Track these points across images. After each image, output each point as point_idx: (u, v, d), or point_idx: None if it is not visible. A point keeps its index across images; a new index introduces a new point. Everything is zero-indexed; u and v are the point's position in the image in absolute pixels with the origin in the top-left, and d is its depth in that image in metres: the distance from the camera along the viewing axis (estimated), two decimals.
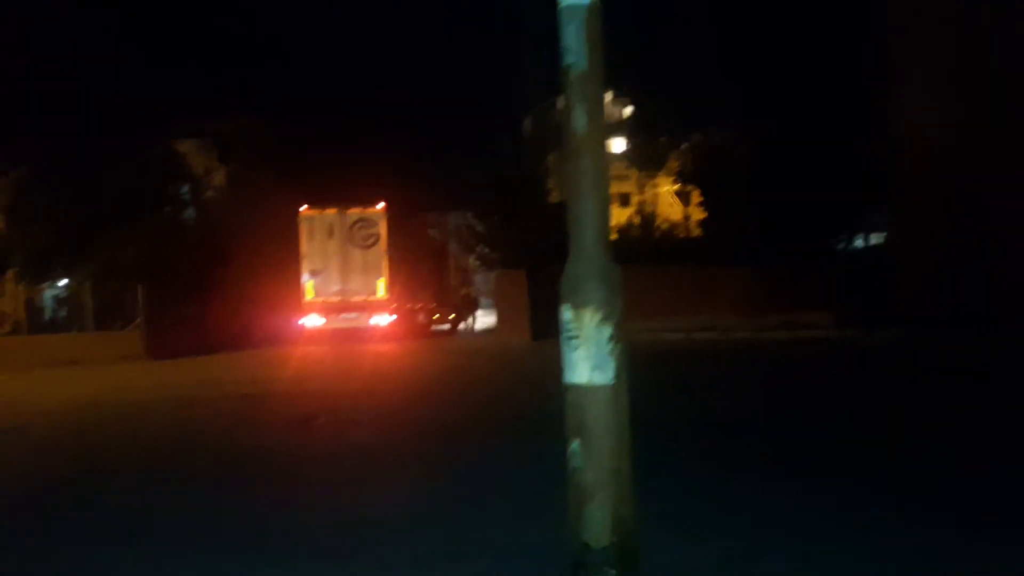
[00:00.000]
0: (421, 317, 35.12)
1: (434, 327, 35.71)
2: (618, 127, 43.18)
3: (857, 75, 22.44)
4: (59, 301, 24.21)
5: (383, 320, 26.47)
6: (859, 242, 27.09)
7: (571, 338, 2.84)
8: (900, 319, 18.65)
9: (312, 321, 26.24)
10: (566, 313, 2.87)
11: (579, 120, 2.83)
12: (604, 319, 2.80)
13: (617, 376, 2.83)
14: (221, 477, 6.31)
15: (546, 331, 21.56)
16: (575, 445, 2.84)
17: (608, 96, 45.68)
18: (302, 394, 11.88)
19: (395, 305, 28.13)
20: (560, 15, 2.87)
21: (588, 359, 2.81)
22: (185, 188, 27.76)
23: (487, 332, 30.28)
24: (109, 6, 28.45)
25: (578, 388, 2.84)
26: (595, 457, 2.86)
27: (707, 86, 27.22)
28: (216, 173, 31.14)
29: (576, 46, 2.82)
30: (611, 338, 2.81)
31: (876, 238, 27.81)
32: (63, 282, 24.20)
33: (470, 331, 32.09)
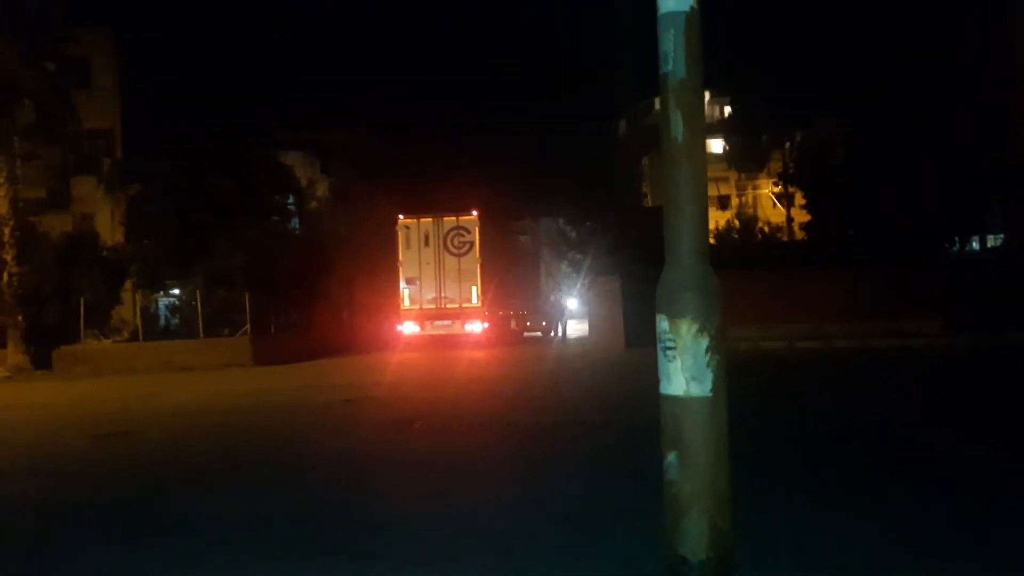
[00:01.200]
0: (513, 324, 35.31)
1: (526, 334, 35.82)
2: (716, 127, 42.13)
3: (973, 69, 21.28)
4: (172, 309, 25.41)
5: (476, 327, 26.75)
6: (975, 244, 25.70)
7: (668, 349, 2.78)
8: (1015, 326, 17.61)
9: (409, 328, 26.75)
10: (662, 323, 2.80)
11: (677, 128, 2.78)
12: (701, 330, 2.74)
13: (715, 388, 2.76)
14: (326, 480, 6.49)
15: (640, 339, 21.32)
16: (672, 457, 2.77)
17: (706, 95, 44.83)
18: (400, 399, 12.13)
19: (488, 312, 28.39)
20: (659, 21, 2.82)
21: (685, 370, 2.75)
22: (290, 199, 28.75)
23: (579, 340, 30.15)
24: (214, 29, 29.89)
25: (675, 400, 2.78)
26: (692, 470, 2.80)
27: (811, 82, 26.27)
28: (319, 184, 32.17)
29: (675, 53, 2.77)
30: (709, 349, 2.74)
31: (992, 241, 26.36)
32: (176, 291, 25.39)
33: (561, 338, 32.00)
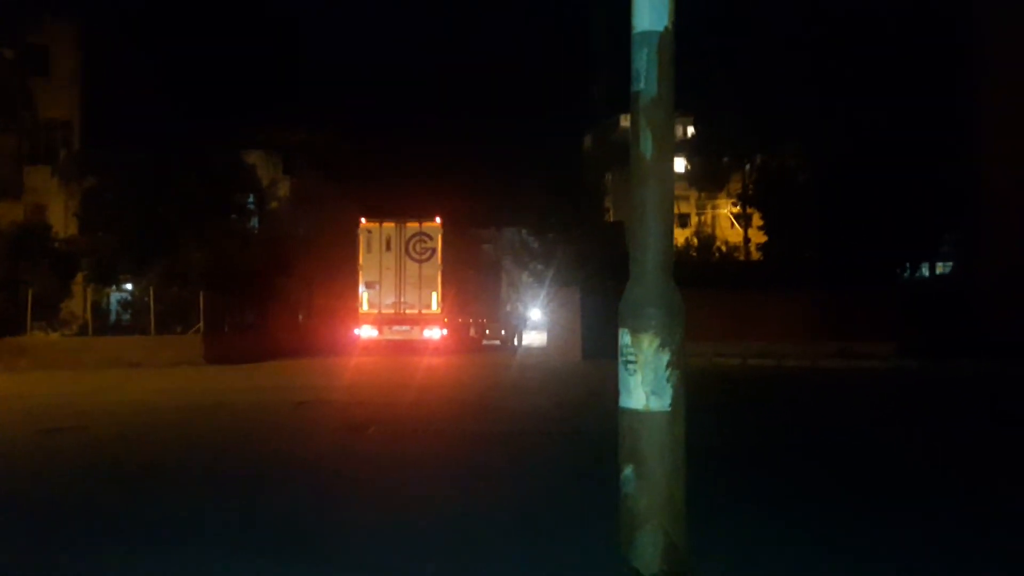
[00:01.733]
0: (473, 331, 35.29)
1: (485, 342, 35.82)
2: (678, 147, 42.68)
3: (931, 101, 21.88)
4: (124, 304, 24.88)
5: (435, 333, 26.65)
6: (924, 271, 26.36)
7: (629, 363, 2.80)
8: (966, 350, 18.09)
9: (366, 332, 26.55)
10: (624, 337, 2.83)
11: (646, 145, 2.81)
12: (663, 345, 2.77)
13: (674, 402, 2.79)
14: (269, 483, 6.40)
15: (597, 350, 21.46)
16: (629, 470, 2.80)
17: None
18: (355, 404, 12.02)
19: (447, 319, 28.30)
20: (633, 40, 2.85)
21: (645, 384, 2.77)
22: (251, 198, 28.40)
23: (538, 349, 30.24)
24: (184, 24, 29.49)
25: (634, 413, 2.81)
26: (649, 483, 2.83)
27: (773, 105, 26.73)
28: (281, 184, 31.86)
29: (647, 72, 2.80)
30: (669, 364, 2.78)
31: (942, 267, 27.05)
32: (129, 286, 24.89)
33: (520, 347, 32.06)
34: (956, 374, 16.41)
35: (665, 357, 2.79)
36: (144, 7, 29.75)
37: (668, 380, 2.79)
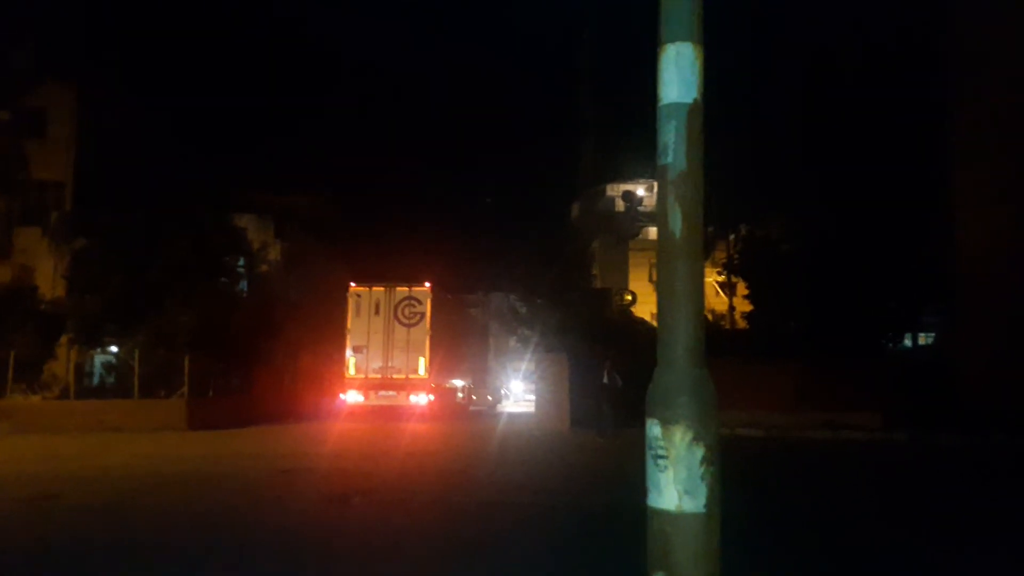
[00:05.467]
0: (459, 397, 34.88)
1: (472, 408, 35.37)
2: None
3: (914, 175, 22.18)
4: (108, 367, 24.42)
5: (422, 399, 26.33)
6: (907, 342, 26.32)
7: (659, 457, 2.54)
8: (953, 423, 17.98)
9: (352, 397, 26.19)
10: (653, 428, 2.59)
11: (676, 223, 2.64)
12: (697, 438, 2.53)
13: (709, 504, 2.53)
14: (256, 558, 6.08)
15: (585, 419, 21.17)
16: None
17: (655, 185, 45.92)
18: (339, 472, 11.70)
19: (435, 384, 27.97)
20: (659, 112, 2.70)
21: (678, 483, 2.51)
22: (241, 261, 28.24)
23: (525, 416, 29.82)
24: (170, 87, 29.80)
25: (665, 514, 2.53)
26: None
27: (757, 177, 27.02)
28: (271, 247, 31.75)
29: (675, 145, 2.65)
30: (704, 460, 2.53)
31: (924, 338, 27.05)
32: (114, 348, 24.47)
33: (505, 414, 31.65)
34: (942, 447, 16.32)
35: (699, 452, 2.54)
36: (140, 71, 30.09)
37: (703, 478, 2.53)
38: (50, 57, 25.68)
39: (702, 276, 2.73)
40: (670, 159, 2.67)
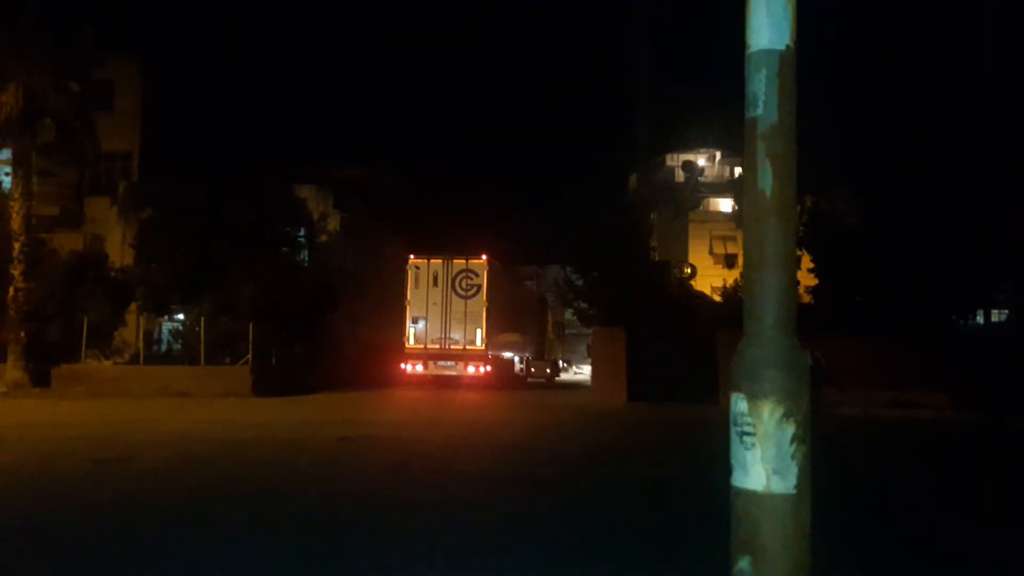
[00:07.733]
0: (516, 368, 34.95)
1: (529, 379, 35.43)
2: (726, 187, 42.20)
3: (989, 148, 21.12)
4: (175, 334, 25.09)
5: (480, 370, 26.48)
6: (979, 319, 25.29)
7: (746, 435, 2.35)
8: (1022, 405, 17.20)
9: (412, 367, 26.49)
10: (739, 404, 2.40)
11: (766, 180, 2.42)
12: (787, 415, 2.33)
13: (800, 484, 2.31)
14: (313, 524, 6.11)
15: (641, 392, 20.91)
16: (744, 563, 2.35)
17: (717, 154, 44.72)
18: (397, 440, 11.78)
19: (492, 354, 28.06)
20: (748, 60, 2.48)
21: (766, 462, 2.31)
22: (301, 231, 28.65)
23: (582, 388, 29.68)
24: (241, 60, 30.12)
25: (751, 495, 2.34)
26: None
27: (824, 147, 26.13)
28: (331, 218, 32.08)
29: (767, 95, 2.41)
30: (795, 438, 2.32)
31: (997, 315, 25.94)
32: (180, 316, 25.10)
33: (562, 383, 31.58)
34: (1016, 425, 15.60)
35: (790, 429, 2.34)
36: (203, 46, 30.52)
37: (793, 457, 2.32)
38: (117, 31, 26.20)
39: (795, 239, 2.52)
40: (760, 111, 2.44)
